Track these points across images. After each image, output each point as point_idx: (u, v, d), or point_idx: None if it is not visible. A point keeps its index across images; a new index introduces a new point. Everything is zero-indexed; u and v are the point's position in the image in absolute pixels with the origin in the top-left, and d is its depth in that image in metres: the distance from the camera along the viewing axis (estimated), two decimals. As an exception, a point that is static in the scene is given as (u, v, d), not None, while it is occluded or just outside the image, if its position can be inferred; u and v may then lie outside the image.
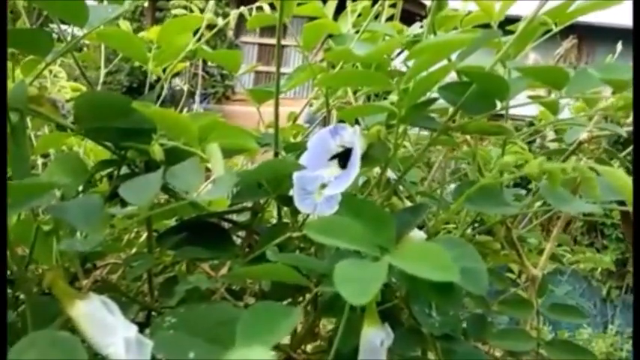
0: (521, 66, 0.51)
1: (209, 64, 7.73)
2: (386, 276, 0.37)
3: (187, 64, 1.15)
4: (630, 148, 0.92)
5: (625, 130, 0.69)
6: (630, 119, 0.84)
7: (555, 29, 0.63)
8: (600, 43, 9.52)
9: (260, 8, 0.71)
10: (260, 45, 9.02)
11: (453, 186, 0.97)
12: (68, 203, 0.45)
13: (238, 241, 0.71)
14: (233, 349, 0.34)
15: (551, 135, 1.09)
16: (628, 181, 0.38)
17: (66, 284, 0.42)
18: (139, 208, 0.45)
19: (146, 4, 8.47)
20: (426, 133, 1.32)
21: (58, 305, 0.43)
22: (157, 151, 0.51)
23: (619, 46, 1.04)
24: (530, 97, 0.58)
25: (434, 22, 0.57)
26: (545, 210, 0.85)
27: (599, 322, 5.47)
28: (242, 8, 0.72)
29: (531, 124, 1.03)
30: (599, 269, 5.44)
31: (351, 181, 0.51)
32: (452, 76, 0.60)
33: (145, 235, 0.81)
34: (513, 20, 0.63)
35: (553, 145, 1.06)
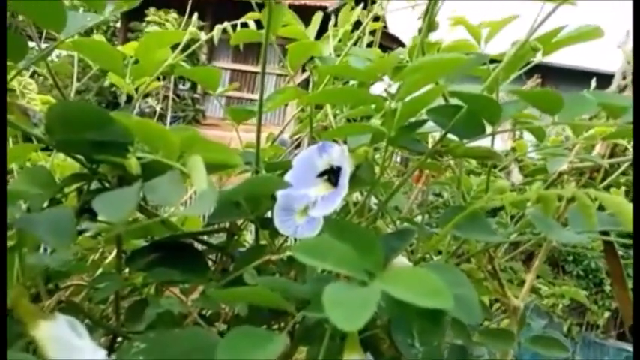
0: (515, 89, 0.51)
1: (180, 86, 7.70)
2: (378, 301, 0.35)
3: (160, 84, 1.12)
4: (605, 182, 0.92)
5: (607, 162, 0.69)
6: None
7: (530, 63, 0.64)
8: (562, 83, 9.88)
9: (245, 25, 0.70)
10: (233, 70, 9.00)
11: (419, 218, 0.96)
12: (37, 216, 0.42)
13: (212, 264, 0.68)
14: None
15: (515, 171, 1.09)
16: (628, 206, 0.37)
17: (30, 303, 0.39)
18: (114, 224, 0.42)
19: (118, 25, 8.45)
20: (398, 159, 1.32)
21: (19, 326, 0.39)
22: (133, 165, 0.48)
23: (593, 82, 1.06)
24: (517, 122, 0.58)
25: (424, 42, 0.56)
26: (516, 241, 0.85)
27: (560, 359, 5.51)
28: (226, 24, 0.70)
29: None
30: (560, 305, 5.51)
31: (338, 202, 0.49)
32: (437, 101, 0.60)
33: (110, 256, 0.77)
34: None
35: (518, 178, 1.06)
